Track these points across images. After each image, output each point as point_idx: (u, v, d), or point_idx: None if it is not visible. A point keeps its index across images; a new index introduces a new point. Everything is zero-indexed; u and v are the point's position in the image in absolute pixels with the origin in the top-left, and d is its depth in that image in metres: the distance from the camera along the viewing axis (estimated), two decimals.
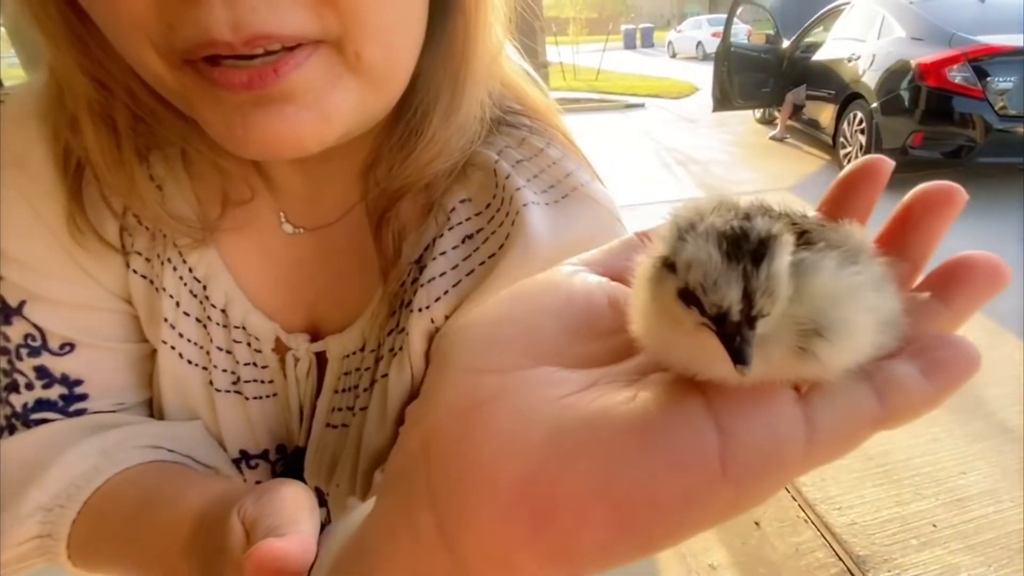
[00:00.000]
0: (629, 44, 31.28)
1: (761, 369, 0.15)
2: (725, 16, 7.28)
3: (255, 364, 0.48)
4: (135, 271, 0.46)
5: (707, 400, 0.15)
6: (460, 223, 0.43)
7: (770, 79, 7.04)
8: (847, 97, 5.71)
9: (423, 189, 0.44)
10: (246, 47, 0.30)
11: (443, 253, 0.42)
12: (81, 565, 0.44)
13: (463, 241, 0.43)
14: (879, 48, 5.39)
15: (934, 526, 1.96)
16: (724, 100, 7.21)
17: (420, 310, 0.42)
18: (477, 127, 0.43)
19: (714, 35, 17.75)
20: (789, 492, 2.12)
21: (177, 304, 0.46)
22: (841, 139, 5.80)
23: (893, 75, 5.08)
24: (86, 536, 0.42)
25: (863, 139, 5.39)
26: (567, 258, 0.23)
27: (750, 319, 0.14)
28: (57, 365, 0.45)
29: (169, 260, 0.46)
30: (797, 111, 6.84)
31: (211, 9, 0.28)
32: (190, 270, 0.46)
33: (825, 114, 6.19)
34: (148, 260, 0.46)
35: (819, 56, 6.39)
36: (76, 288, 0.45)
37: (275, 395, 0.49)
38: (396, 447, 0.23)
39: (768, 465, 0.15)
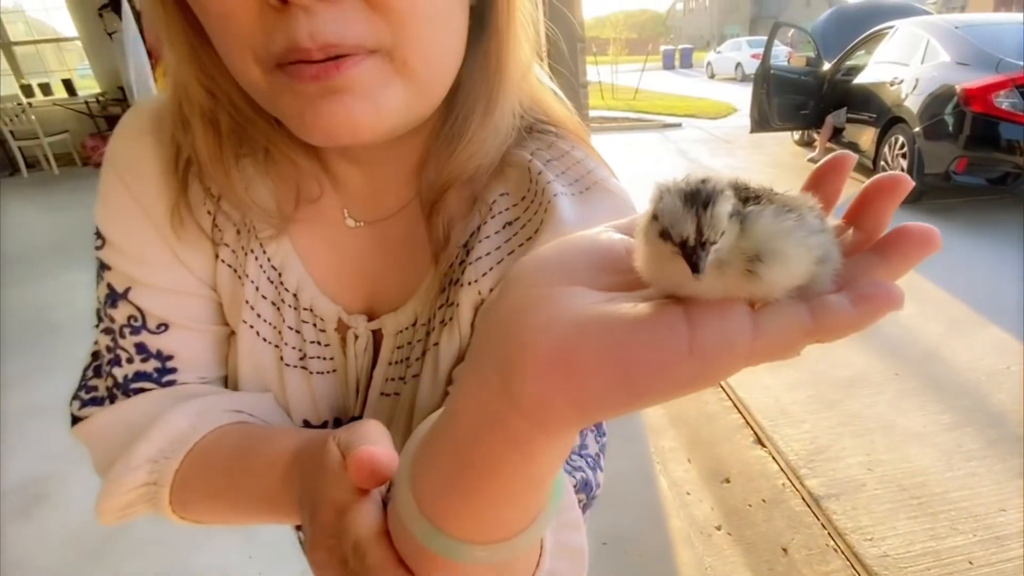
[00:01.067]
0: (668, 64, 31.12)
1: (720, 287, 0.21)
2: (765, 38, 7.18)
3: (319, 343, 0.54)
4: (223, 261, 0.52)
5: (685, 308, 0.21)
6: (501, 212, 0.49)
7: (810, 101, 6.90)
8: (888, 121, 5.55)
9: (467, 184, 0.50)
10: (319, 52, 0.37)
11: (487, 237, 0.48)
12: (180, 510, 0.49)
13: (504, 227, 0.48)
14: (923, 72, 5.24)
15: (970, 563, 1.87)
16: (762, 122, 7.10)
17: (469, 284, 0.47)
18: (509, 130, 0.49)
19: (754, 57, 17.54)
20: (819, 520, 2.05)
21: (257, 289, 0.52)
22: (882, 163, 5.64)
23: (937, 100, 4.92)
24: (187, 482, 0.48)
25: (904, 163, 5.23)
26: None
27: (702, 244, 0.20)
28: (153, 342, 0.52)
29: (252, 251, 0.52)
30: (837, 134, 6.68)
31: (297, 23, 0.36)
32: (268, 259, 0.52)
33: (865, 137, 6.04)
34: (234, 252, 0.52)
35: (861, 79, 6.24)
36: (173, 276, 0.51)
37: (335, 371, 0.54)
38: (473, 340, 0.35)
39: (721, 349, 0.20)
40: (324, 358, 0.54)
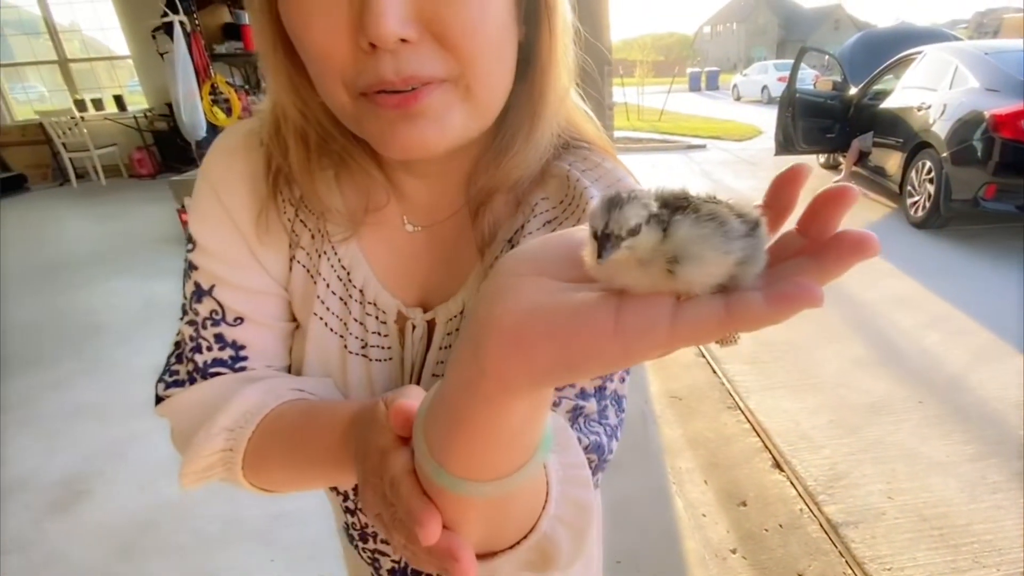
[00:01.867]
0: (694, 86, 31.04)
1: (647, 283, 0.24)
2: (792, 61, 7.13)
3: (379, 333, 0.60)
4: (299, 262, 0.59)
5: (618, 298, 0.25)
6: (542, 213, 0.55)
7: (836, 125, 6.81)
8: (916, 146, 5.45)
9: (512, 191, 0.57)
10: (402, 84, 0.44)
11: (529, 233, 0.54)
12: (251, 474, 0.55)
13: (544, 225, 0.55)
14: (951, 98, 5.14)
15: None
16: (787, 144, 7.03)
17: None
18: (549, 146, 0.56)
19: (780, 79, 17.37)
20: (837, 547, 2.00)
21: (327, 285, 0.59)
22: (909, 187, 5.53)
23: (965, 125, 4.83)
24: (259, 448, 0.54)
25: (931, 188, 5.13)
26: None
27: (607, 235, 0.24)
28: (230, 333, 0.58)
29: (324, 253, 0.59)
30: (863, 158, 6.59)
31: (383, 63, 0.43)
32: (339, 260, 0.59)
33: (892, 162, 5.94)
34: (308, 254, 0.59)
35: (887, 104, 6.15)
36: (252, 276, 0.58)
37: (391, 359, 0.60)
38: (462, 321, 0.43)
39: (640, 332, 0.24)
40: (383, 347, 0.60)
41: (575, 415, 0.50)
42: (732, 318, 0.23)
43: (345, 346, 0.59)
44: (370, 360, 0.59)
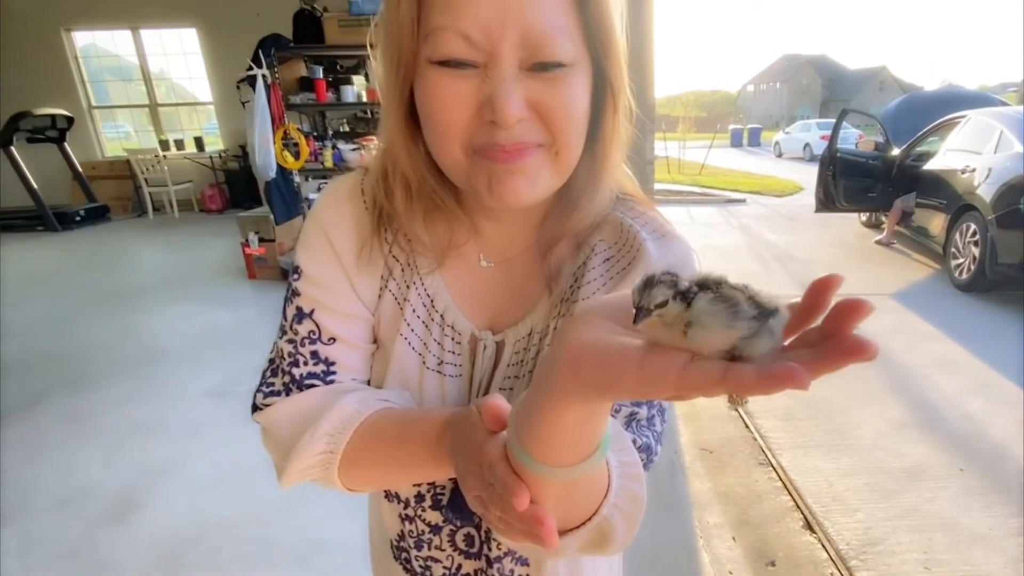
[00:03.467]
0: (736, 142, 30.99)
1: (668, 339, 0.30)
2: (835, 120, 7.10)
3: (454, 352, 0.67)
4: (389, 291, 0.67)
5: (648, 346, 0.31)
6: (600, 252, 0.64)
7: (877, 184, 6.70)
8: (960, 208, 5.32)
9: (574, 236, 0.66)
10: (511, 147, 0.54)
11: (592, 268, 0.64)
12: (344, 474, 0.62)
13: (603, 262, 0.64)
14: (996, 162, 5.02)
15: None
16: (827, 202, 6.93)
17: (581, 300, 0.62)
18: (607, 203, 0.66)
19: (823, 138, 17.17)
20: None
21: (413, 310, 0.67)
22: (953, 249, 5.37)
23: (1012, 189, 4.69)
24: (357, 451, 0.61)
25: (976, 251, 4.97)
26: None
27: (643, 309, 0.31)
28: (323, 351, 0.65)
29: (414, 283, 0.67)
30: (906, 217, 6.44)
31: (499, 133, 0.53)
32: (425, 289, 0.67)
33: (935, 223, 5.78)
34: (398, 284, 0.68)
35: (931, 166, 6.04)
36: (347, 302, 0.66)
37: (461, 375, 0.68)
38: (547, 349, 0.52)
39: (655, 374, 0.30)
40: (456, 364, 0.67)
41: (630, 420, 0.58)
42: (726, 380, 0.27)
43: (423, 363, 0.67)
44: (444, 376, 0.67)
